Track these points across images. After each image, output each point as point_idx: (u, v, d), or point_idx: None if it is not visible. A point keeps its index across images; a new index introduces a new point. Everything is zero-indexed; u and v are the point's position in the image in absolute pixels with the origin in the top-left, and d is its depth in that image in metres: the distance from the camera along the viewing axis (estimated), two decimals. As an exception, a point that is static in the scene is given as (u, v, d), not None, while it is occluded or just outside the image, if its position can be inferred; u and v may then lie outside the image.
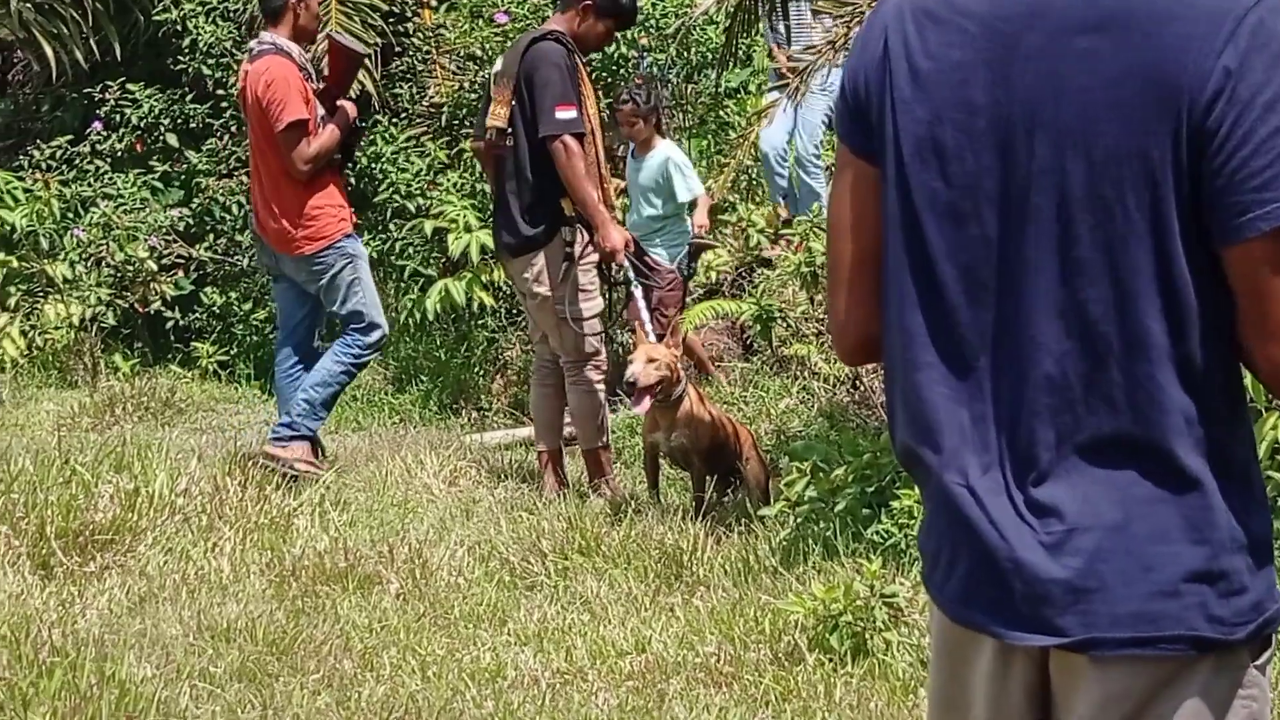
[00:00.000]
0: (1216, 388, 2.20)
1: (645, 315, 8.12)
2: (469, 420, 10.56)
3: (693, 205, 10.20)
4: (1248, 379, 2.32)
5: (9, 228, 12.15)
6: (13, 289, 12.07)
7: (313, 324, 8.84)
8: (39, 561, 6.57)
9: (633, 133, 10.12)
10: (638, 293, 8.27)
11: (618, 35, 9.19)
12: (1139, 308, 2.18)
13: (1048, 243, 2.22)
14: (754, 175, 12.15)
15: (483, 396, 11.19)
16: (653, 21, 11.72)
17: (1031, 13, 2.24)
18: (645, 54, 12.08)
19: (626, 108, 10.03)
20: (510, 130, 7.88)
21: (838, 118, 2.46)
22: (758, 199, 12.19)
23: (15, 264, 12.12)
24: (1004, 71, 2.25)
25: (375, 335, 8.60)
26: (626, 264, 8.06)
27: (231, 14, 12.57)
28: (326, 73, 8.83)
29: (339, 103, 8.57)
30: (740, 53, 10.28)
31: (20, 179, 12.51)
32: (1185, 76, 2.12)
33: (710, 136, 12.76)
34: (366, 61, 11.03)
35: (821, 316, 9.95)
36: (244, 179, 12.60)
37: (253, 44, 8.76)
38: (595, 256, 7.97)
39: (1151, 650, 2.21)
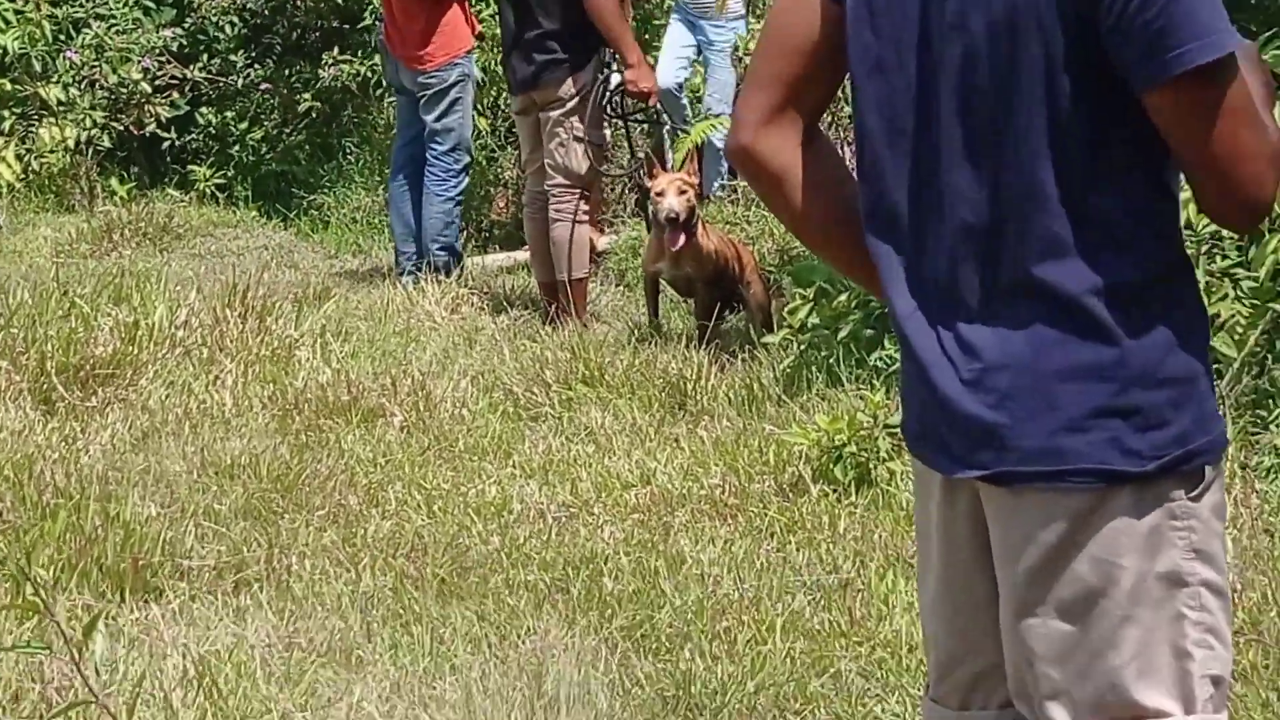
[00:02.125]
0: (1123, 234, 2.27)
1: (670, 153, 8.11)
2: (469, 240, 10.47)
3: None
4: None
5: (1, 51, 12.00)
6: (6, 113, 11.94)
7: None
8: (40, 397, 6.56)
9: None
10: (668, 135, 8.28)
11: None
12: (1034, 160, 2.27)
13: (957, 96, 2.31)
14: None
15: (484, 217, 11.11)
16: None
17: None
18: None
19: None
20: None
21: None
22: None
23: (8, 87, 11.98)
24: None
25: (463, 159, 9.10)
26: (657, 105, 8.06)
27: None
28: None
29: None
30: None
31: (11, 1, 12.32)
32: None
33: None
34: None
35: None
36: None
37: None
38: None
39: (1061, 484, 2.30)
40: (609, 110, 8.00)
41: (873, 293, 2.68)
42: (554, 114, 7.98)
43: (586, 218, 8.12)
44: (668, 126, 8.35)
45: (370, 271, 9.58)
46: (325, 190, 11.72)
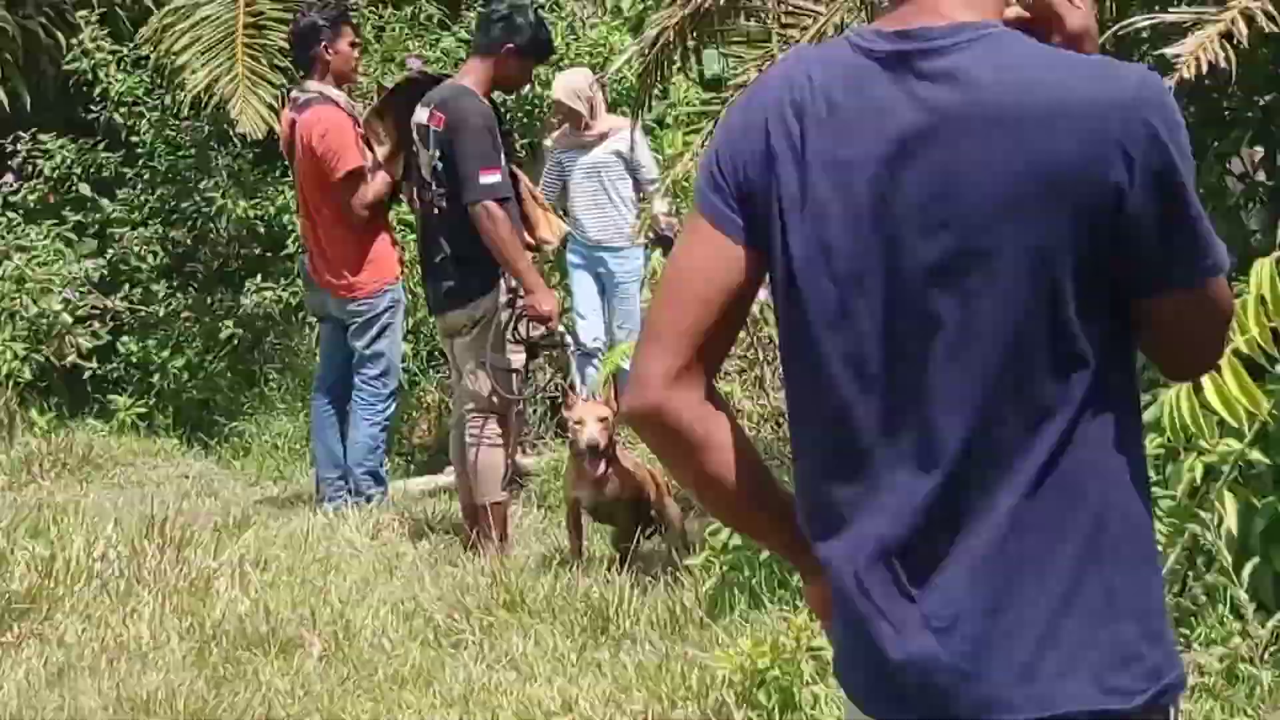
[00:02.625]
0: (1105, 456, 2.22)
1: (578, 377, 8.11)
2: (392, 466, 10.47)
3: None
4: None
5: (-82, 285, 11.98)
6: (-76, 348, 11.90)
7: (351, 364, 9.16)
8: (-45, 634, 6.47)
9: None
10: (574, 358, 8.28)
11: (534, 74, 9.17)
12: (1038, 397, 2.19)
13: (946, 341, 2.20)
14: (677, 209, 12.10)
15: (405, 441, 11.10)
16: (566, 62, 11.67)
17: (920, 111, 2.22)
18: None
19: None
20: (439, 187, 7.82)
21: (705, 193, 2.37)
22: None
23: (-71, 318, 11.95)
24: (891, 170, 2.22)
25: (391, 384, 9.10)
26: (561, 328, 8.05)
27: (143, 62, 12.46)
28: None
29: None
30: (657, 89, 10.18)
31: (-72, 234, 12.34)
32: (1083, 168, 2.14)
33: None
34: None
35: (744, 354, 9.91)
36: (159, 228, 12.55)
37: (296, 93, 9.10)
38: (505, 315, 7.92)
39: None
40: (513, 336, 7.92)
41: (777, 550, 2.58)
42: (463, 339, 7.93)
43: (501, 442, 8.04)
44: (572, 349, 8.37)
45: (291, 498, 9.53)
46: (247, 417, 11.70)
